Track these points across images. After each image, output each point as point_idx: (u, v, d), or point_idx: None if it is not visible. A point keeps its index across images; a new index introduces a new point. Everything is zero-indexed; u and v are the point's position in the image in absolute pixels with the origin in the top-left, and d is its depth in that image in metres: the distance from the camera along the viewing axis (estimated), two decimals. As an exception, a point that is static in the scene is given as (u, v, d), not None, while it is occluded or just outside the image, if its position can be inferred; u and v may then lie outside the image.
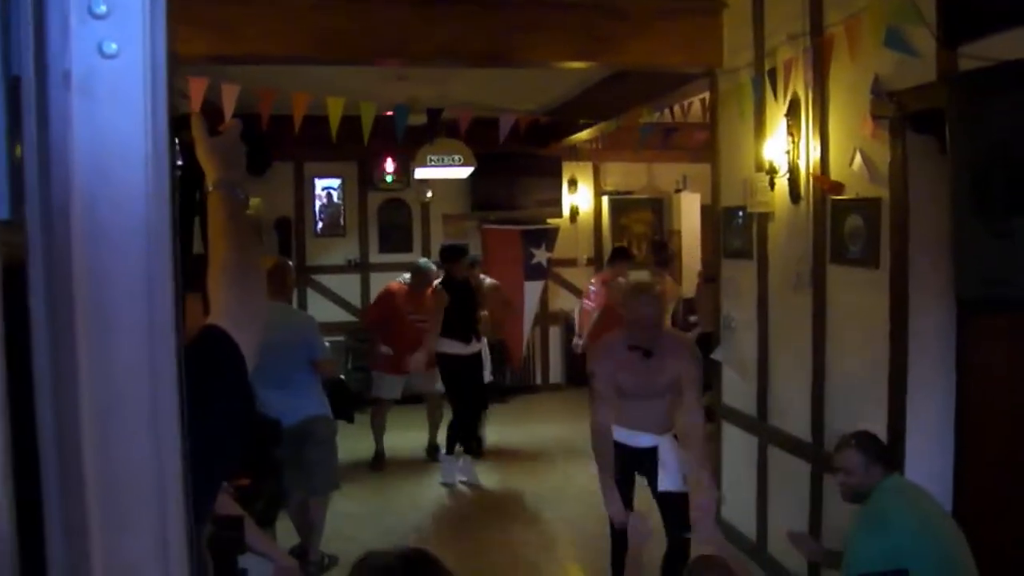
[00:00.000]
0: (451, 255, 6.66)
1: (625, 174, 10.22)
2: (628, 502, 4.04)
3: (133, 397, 0.61)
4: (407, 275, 7.03)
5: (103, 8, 0.58)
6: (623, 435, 4.05)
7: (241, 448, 1.39)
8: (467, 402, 6.55)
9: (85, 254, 0.58)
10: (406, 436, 7.44)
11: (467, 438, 6.68)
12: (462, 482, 6.52)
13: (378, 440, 7.12)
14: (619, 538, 3.99)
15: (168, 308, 0.62)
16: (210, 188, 1.36)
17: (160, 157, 0.61)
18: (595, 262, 10.06)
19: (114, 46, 0.58)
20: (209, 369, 1.18)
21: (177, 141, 1.24)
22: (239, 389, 1.26)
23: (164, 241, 0.61)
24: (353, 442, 6.70)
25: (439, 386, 6.81)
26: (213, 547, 2.56)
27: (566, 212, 10.03)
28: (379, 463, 7.05)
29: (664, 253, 8.15)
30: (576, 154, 9.66)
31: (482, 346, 6.83)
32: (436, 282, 6.61)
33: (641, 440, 4.09)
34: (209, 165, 1.38)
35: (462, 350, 6.49)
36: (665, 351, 3.94)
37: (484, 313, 7.02)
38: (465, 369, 6.51)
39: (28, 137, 0.58)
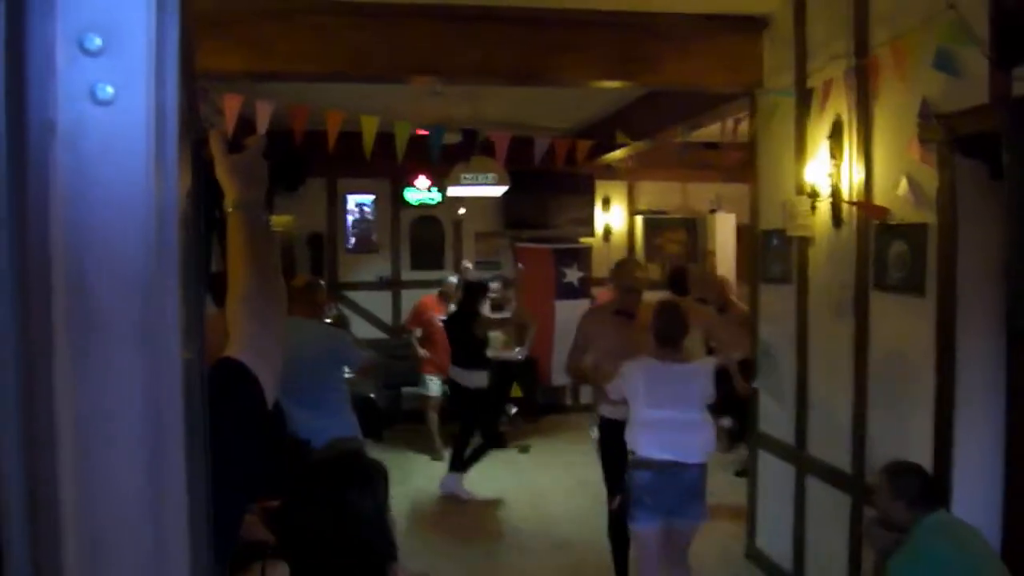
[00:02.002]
0: (478, 290, 7.17)
1: (659, 193, 10.14)
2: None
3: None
4: (438, 290, 8.11)
5: (97, 42, 0.44)
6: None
7: (258, 485, 1.33)
8: (471, 428, 6.96)
9: (71, 361, 0.46)
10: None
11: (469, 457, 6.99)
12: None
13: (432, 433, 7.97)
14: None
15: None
16: (229, 209, 1.29)
17: (166, 227, 0.48)
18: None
19: (110, 90, 0.45)
20: (225, 404, 1.11)
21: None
22: (257, 424, 1.19)
23: (172, 337, 0.49)
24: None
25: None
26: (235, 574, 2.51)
27: (599, 231, 9.94)
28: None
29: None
30: (610, 173, 9.59)
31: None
32: (451, 306, 7.43)
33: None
34: (229, 184, 1.29)
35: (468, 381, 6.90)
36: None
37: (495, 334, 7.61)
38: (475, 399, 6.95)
39: (-1, 204, 0.46)
